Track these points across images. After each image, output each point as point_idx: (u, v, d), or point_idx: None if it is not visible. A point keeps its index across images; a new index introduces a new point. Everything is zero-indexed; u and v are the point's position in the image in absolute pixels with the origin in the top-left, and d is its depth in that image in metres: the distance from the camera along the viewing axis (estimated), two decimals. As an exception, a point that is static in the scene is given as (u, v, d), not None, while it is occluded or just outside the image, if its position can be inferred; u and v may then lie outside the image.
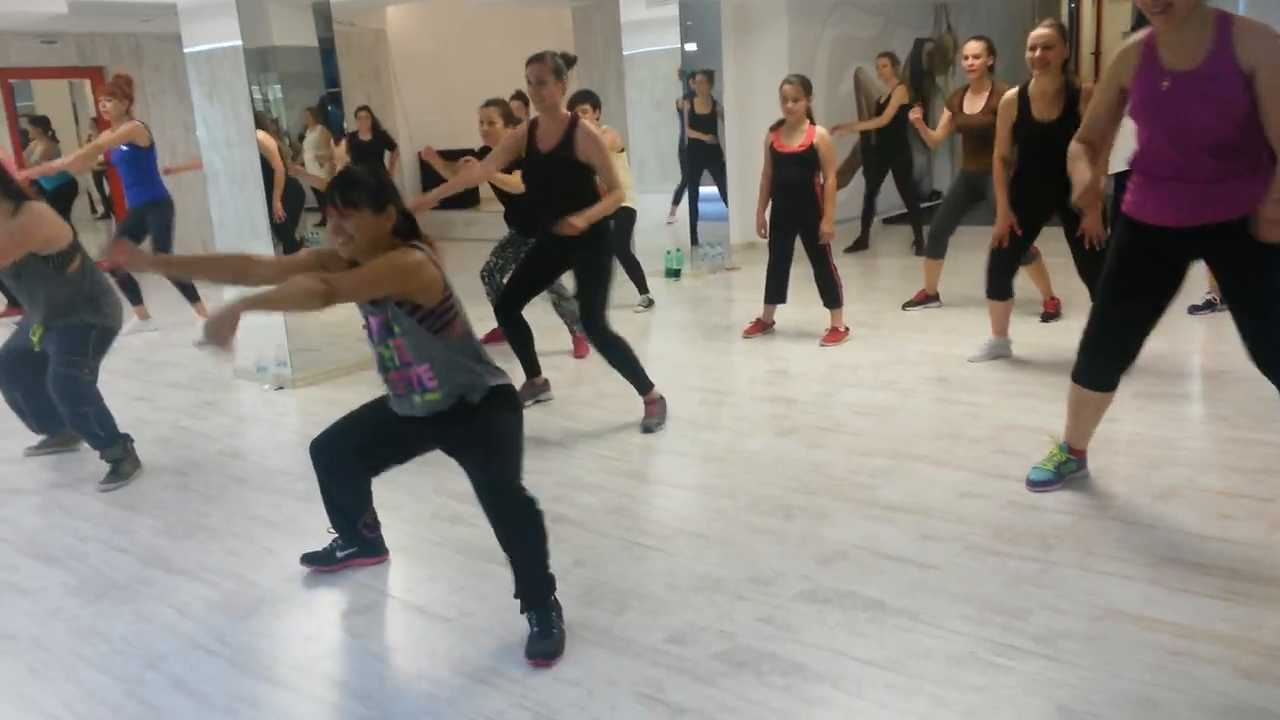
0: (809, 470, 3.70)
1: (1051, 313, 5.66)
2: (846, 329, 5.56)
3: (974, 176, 5.63)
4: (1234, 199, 2.75)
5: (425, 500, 3.58)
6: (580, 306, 4.24)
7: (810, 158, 5.27)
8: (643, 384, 4.29)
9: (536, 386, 4.74)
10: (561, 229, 4.00)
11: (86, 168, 6.94)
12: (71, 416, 3.96)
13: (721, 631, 2.62)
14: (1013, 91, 4.57)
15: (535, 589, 2.62)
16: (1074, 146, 3.03)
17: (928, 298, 6.21)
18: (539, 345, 4.70)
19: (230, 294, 2.78)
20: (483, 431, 2.64)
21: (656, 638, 2.61)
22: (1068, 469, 3.37)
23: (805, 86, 5.29)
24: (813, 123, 5.33)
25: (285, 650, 2.73)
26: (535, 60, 4.09)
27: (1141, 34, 2.86)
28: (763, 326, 5.80)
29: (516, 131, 4.31)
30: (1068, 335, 3.26)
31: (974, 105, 5.62)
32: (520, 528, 2.59)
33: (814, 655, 2.48)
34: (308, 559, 3.12)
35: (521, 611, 2.63)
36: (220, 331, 2.30)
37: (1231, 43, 2.65)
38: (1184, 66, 2.71)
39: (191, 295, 6.67)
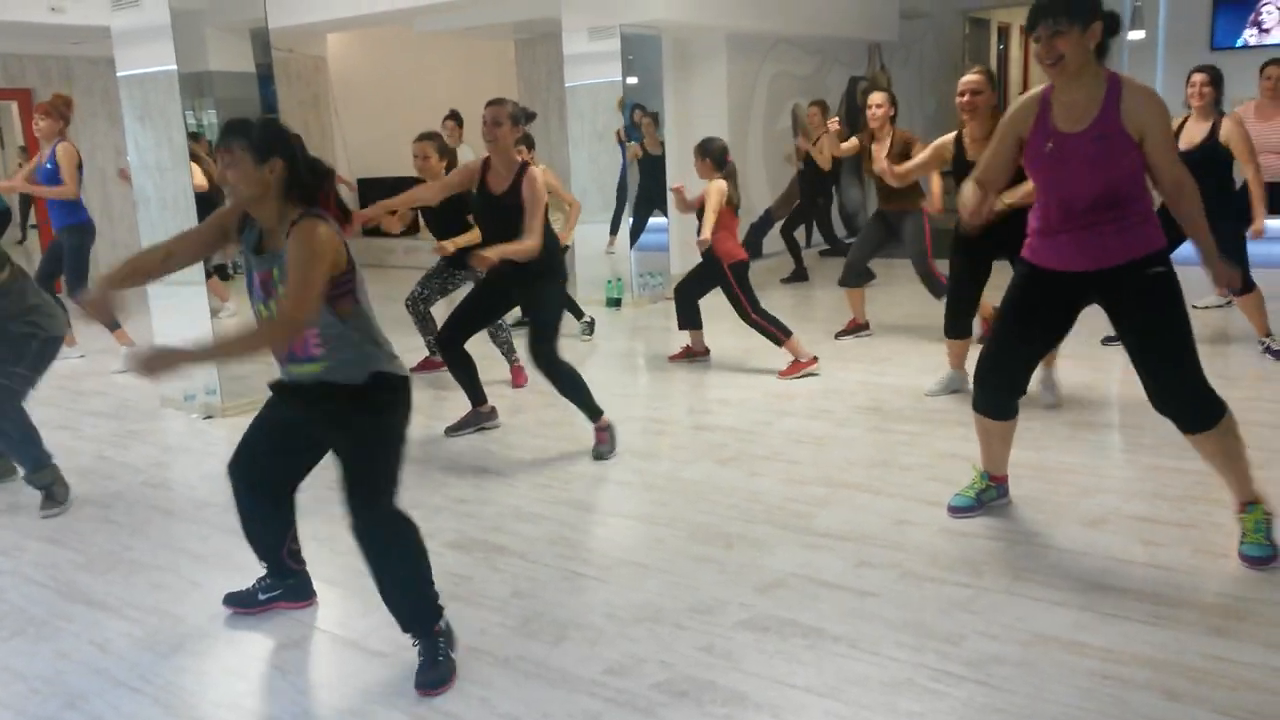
0: (748, 499, 3.71)
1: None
2: (812, 359, 5.54)
3: (889, 215, 5.91)
4: (1119, 246, 2.89)
5: (360, 531, 3.51)
6: (531, 334, 4.21)
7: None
8: (593, 411, 4.28)
9: (481, 414, 4.71)
10: (475, 262, 4.05)
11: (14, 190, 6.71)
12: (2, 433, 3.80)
13: (661, 661, 2.60)
14: (950, 136, 4.68)
15: (415, 616, 2.56)
16: (966, 188, 3.18)
17: (858, 326, 6.33)
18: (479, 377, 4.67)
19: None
20: (359, 425, 2.51)
21: (595, 669, 2.59)
22: (988, 496, 3.45)
23: (703, 149, 5.41)
24: (714, 175, 5.42)
25: (210, 688, 2.64)
26: (495, 103, 4.15)
27: (1039, 89, 2.99)
28: (690, 353, 5.92)
29: (471, 165, 4.31)
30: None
31: (880, 154, 5.79)
32: (389, 549, 2.52)
33: (754, 684, 2.48)
34: (230, 600, 3.01)
35: (412, 642, 2.58)
36: (153, 370, 2.23)
37: (1119, 104, 2.79)
38: (1073, 128, 2.85)
39: (112, 325, 6.47)
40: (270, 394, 2.72)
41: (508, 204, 4.12)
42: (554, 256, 4.26)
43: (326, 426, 2.58)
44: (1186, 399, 2.93)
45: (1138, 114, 2.78)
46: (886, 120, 5.75)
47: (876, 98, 5.81)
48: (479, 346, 6.39)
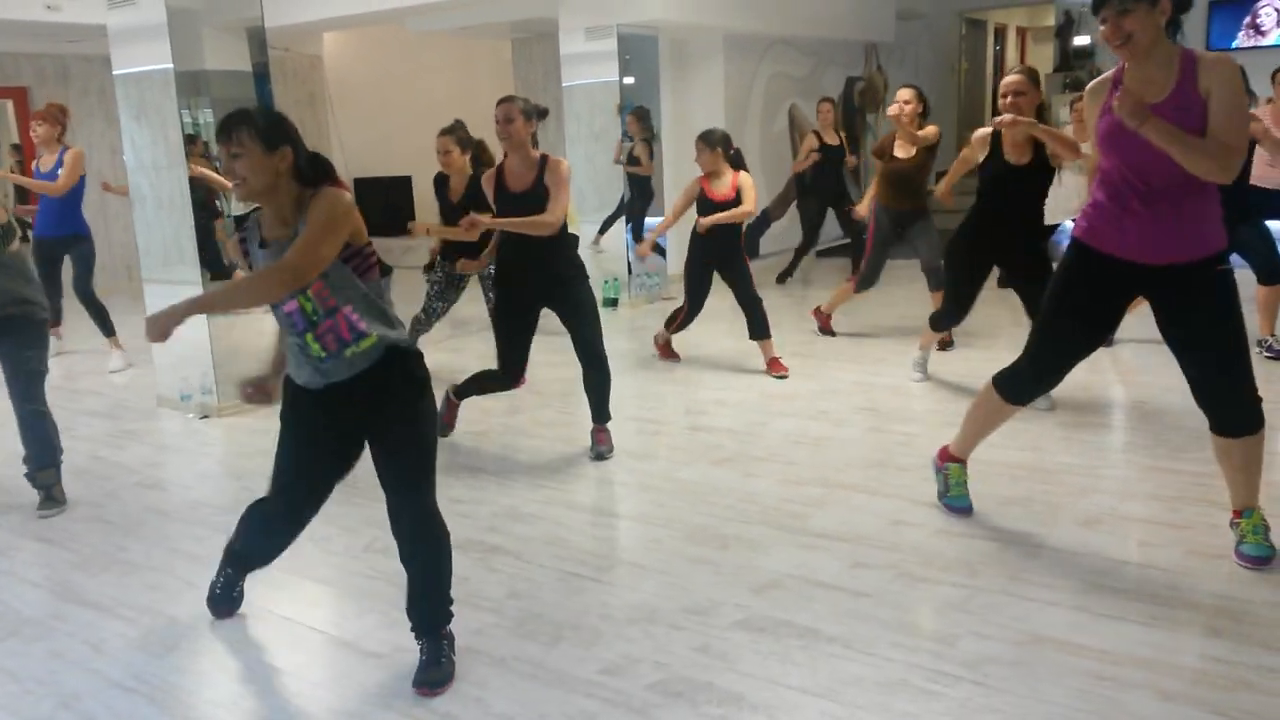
0: (744, 499, 3.71)
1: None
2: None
3: (897, 214, 5.84)
4: (1189, 241, 2.80)
5: (355, 533, 3.50)
6: (590, 338, 4.18)
7: (736, 203, 5.40)
8: (604, 413, 4.30)
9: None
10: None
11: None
12: (32, 417, 3.80)
13: (657, 662, 2.60)
14: (986, 130, 4.62)
15: (435, 616, 2.57)
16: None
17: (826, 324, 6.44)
18: (458, 373, 4.66)
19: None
20: (418, 412, 2.47)
21: (591, 669, 2.59)
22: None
23: (709, 140, 5.40)
24: (734, 169, 5.44)
25: (206, 688, 2.64)
26: (506, 100, 4.04)
27: (1111, 71, 2.91)
28: (670, 351, 5.99)
29: (487, 177, 4.21)
30: (996, 366, 3.33)
31: (905, 151, 5.75)
32: (438, 546, 2.53)
33: (749, 684, 2.48)
34: (217, 612, 2.97)
35: (416, 638, 2.58)
36: (160, 329, 2.25)
37: (1196, 75, 2.70)
38: (1153, 99, 2.73)
39: (108, 329, 6.46)
40: (290, 421, 2.60)
41: (533, 200, 3.99)
42: (579, 259, 4.24)
43: (387, 409, 2.47)
44: (1240, 403, 2.88)
45: (1209, 77, 2.67)
46: (914, 116, 5.69)
47: (905, 94, 5.73)
48: (480, 345, 6.41)
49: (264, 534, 2.81)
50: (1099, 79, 2.97)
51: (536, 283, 4.13)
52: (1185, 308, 2.89)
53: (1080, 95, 4.52)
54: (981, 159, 4.54)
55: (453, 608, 2.63)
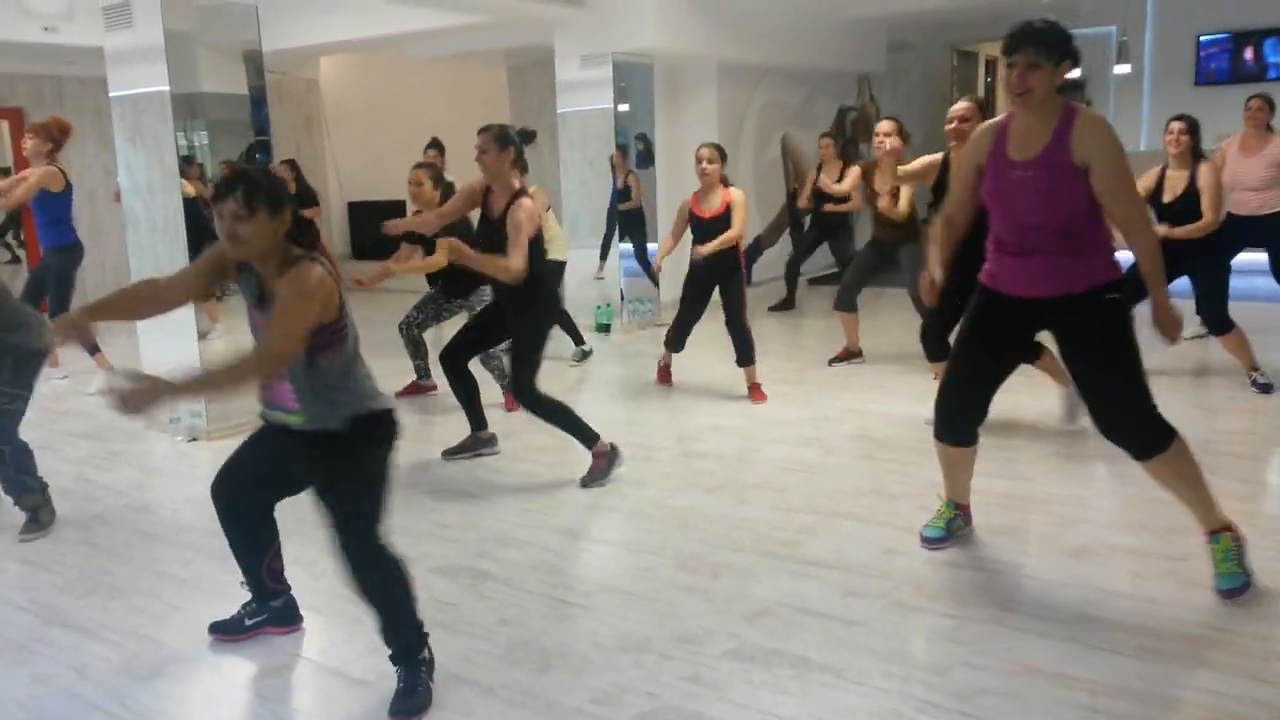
0: (736, 526, 3.70)
1: None
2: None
3: (885, 245, 5.92)
4: (1071, 275, 2.93)
5: (344, 556, 3.48)
6: (511, 369, 4.24)
7: (728, 218, 5.38)
8: (587, 437, 4.27)
9: (480, 440, 4.71)
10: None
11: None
12: None
13: (647, 692, 2.58)
14: (937, 156, 4.73)
15: (399, 643, 2.56)
16: (939, 229, 3.24)
17: (851, 353, 6.35)
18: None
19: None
20: (338, 468, 2.51)
21: (581, 698, 2.57)
22: (956, 525, 3.47)
23: (721, 152, 5.44)
24: (726, 186, 5.45)
25: (190, 714, 2.61)
26: (481, 131, 4.16)
27: (998, 119, 3.06)
28: (668, 372, 5.98)
29: (475, 187, 4.28)
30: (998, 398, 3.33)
31: (884, 182, 5.81)
32: (373, 579, 2.52)
33: (740, 715, 2.46)
34: (216, 628, 2.96)
35: (393, 665, 2.58)
36: (133, 407, 2.20)
37: (1069, 135, 2.84)
38: (1024, 156, 2.90)
39: (92, 347, 6.43)
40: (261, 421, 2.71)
41: (501, 228, 4.11)
42: (539, 290, 4.21)
43: (308, 469, 2.58)
44: (1135, 426, 2.96)
45: (1084, 143, 2.82)
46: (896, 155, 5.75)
47: (885, 126, 5.81)
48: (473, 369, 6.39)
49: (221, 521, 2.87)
50: (984, 125, 3.13)
51: (501, 304, 4.32)
52: (1076, 336, 3.01)
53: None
54: (933, 183, 4.65)
55: (426, 632, 2.61)
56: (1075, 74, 3.00)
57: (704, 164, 5.37)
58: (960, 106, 4.53)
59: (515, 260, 3.99)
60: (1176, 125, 5.22)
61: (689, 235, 5.59)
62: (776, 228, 9.71)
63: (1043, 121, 2.87)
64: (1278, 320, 6.88)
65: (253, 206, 2.35)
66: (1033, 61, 2.80)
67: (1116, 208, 2.86)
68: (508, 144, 4.12)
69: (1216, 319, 5.21)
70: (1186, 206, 5.08)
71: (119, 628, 3.07)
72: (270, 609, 2.96)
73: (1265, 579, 3.03)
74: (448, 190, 5.49)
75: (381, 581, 2.53)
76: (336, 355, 2.47)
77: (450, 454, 4.67)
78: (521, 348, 4.21)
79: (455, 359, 4.51)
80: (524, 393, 4.18)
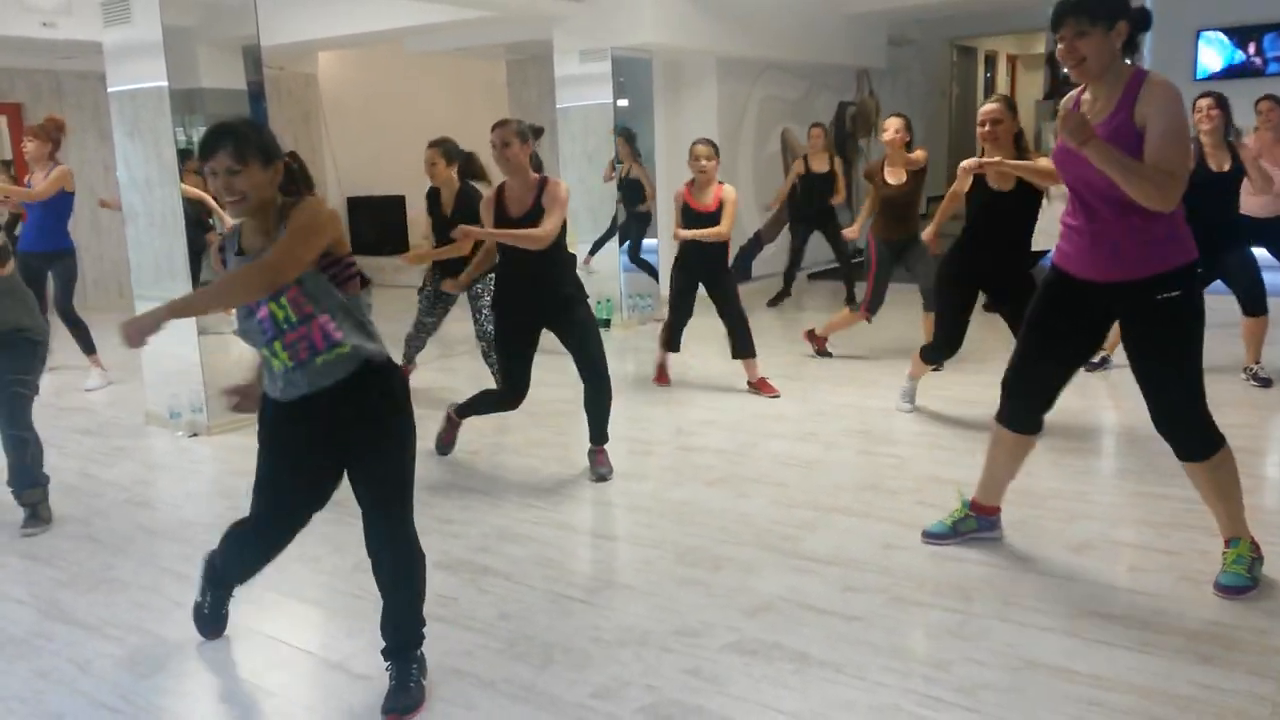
0: (735, 521, 3.71)
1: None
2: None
3: (895, 244, 5.93)
4: (1137, 259, 2.83)
5: (346, 552, 3.48)
6: (595, 355, 4.15)
7: (719, 216, 5.40)
8: (603, 434, 4.28)
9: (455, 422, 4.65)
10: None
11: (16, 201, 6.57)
12: (12, 441, 3.76)
13: (648, 685, 2.59)
14: (973, 161, 4.65)
15: (407, 636, 2.55)
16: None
17: (824, 343, 6.44)
18: (451, 394, 4.65)
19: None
20: (394, 428, 2.44)
21: (582, 692, 2.57)
22: (965, 526, 3.41)
23: (716, 149, 5.45)
24: (721, 182, 5.47)
25: (192, 709, 2.61)
26: (500, 125, 4.03)
27: (1077, 90, 2.97)
28: (664, 376, 5.95)
29: (485, 201, 4.20)
30: (989, 390, 3.34)
31: (896, 177, 5.83)
32: (411, 560, 2.51)
33: (740, 708, 2.47)
34: (205, 632, 2.93)
35: (385, 660, 2.55)
36: (136, 333, 2.20)
37: (1135, 100, 2.74)
38: (1093, 121, 2.79)
39: (88, 346, 6.43)
40: (266, 440, 2.56)
41: (531, 223, 3.98)
42: (578, 279, 4.24)
43: (362, 427, 2.45)
44: (1184, 426, 2.91)
45: (1146, 104, 2.71)
46: (902, 145, 5.77)
47: (894, 122, 5.82)
48: (470, 365, 6.40)
49: (240, 557, 2.78)
50: (1066, 97, 3.04)
51: (537, 303, 4.13)
52: (1139, 330, 2.94)
53: None
54: (967, 188, 4.60)
55: (425, 630, 2.61)
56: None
57: (702, 161, 5.38)
58: (990, 108, 4.42)
59: (549, 225, 3.90)
60: (1204, 101, 5.05)
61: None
62: (776, 223, 9.70)
63: (1110, 88, 2.78)
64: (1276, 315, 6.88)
65: (244, 158, 2.29)
66: (1078, 30, 2.71)
67: (1156, 159, 2.67)
68: (526, 138, 4.07)
69: (1253, 297, 5.18)
70: (1232, 180, 5.03)
71: (121, 623, 3.07)
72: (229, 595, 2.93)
73: (1267, 573, 3.03)
74: (467, 164, 5.37)
75: (418, 566, 2.52)
76: (357, 288, 2.43)
77: (459, 410, 4.53)
78: (595, 334, 4.17)
79: (523, 391, 4.25)
80: (604, 373, 4.18)
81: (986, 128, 4.41)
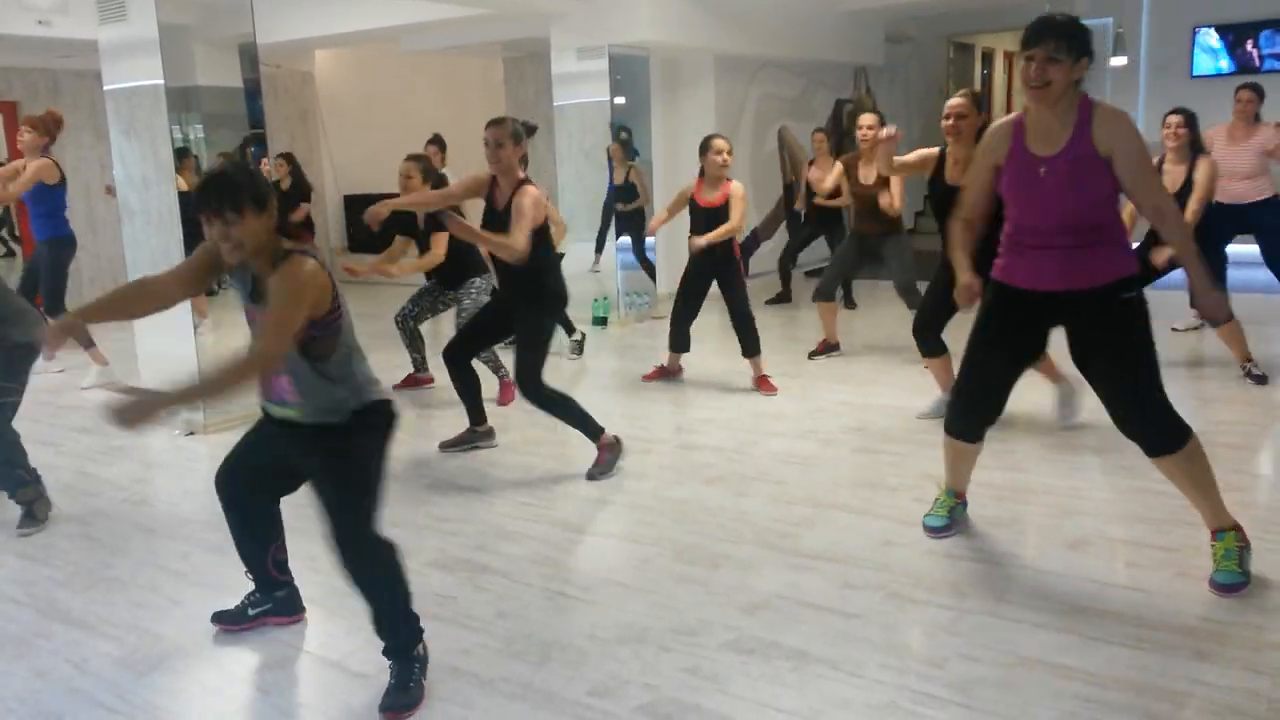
0: (734, 519, 3.71)
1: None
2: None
3: (865, 238, 5.97)
4: (1089, 269, 2.92)
5: (343, 550, 3.49)
6: (516, 365, 4.19)
7: (726, 210, 5.41)
8: (591, 429, 4.27)
9: (478, 433, 4.71)
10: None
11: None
12: None
13: (645, 684, 2.59)
14: (934, 150, 4.71)
15: (394, 638, 2.57)
16: (955, 231, 3.23)
17: (829, 346, 6.39)
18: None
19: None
20: (336, 463, 2.50)
21: (579, 690, 2.58)
22: (958, 514, 3.51)
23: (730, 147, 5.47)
24: (729, 179, 5.47)
25: (191, 708, 2.62)
26: (495, 124, 4.11)
27: (1011, 116, 3.04)
28: (665, 373, 5.92)
29: (481, 177, 4.27)
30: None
31: (868, 175, 5.86)
32: (368, 574, 2.52)
33: (738, 706, 2.47)
34: (218, 618, 2.97)
35: (386, 658, 2.58)
36: (131, 423, 2.18)
37: (1090, 127, 2.83)
38: (1046, 151, 2.88)
39: (86, 341, 6.42)
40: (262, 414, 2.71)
41: (506, 219, 4.08)
42: (543, 283, 4.20)
43: (305, 459, 2.58)
44: (1150, 422, 2.97)
45: (1107, 136, 2.81)
46: (876, 142, 5.77)
47: (867, 119, 5.86)
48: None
49: (235, 538, 2.90)
50: (999, 122, 3.10)
51: (507, 297, 4.32)
52: (1092, 333, 2.99)
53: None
54: (930, 177, 4.64)
55: (421, 628, 2.62)
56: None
57: (724, 155, 5.39)
58: (955, 102, 4.49)
59: (518, 237, 3.97)
60: (1174, 119, 5.21)
61: (684, 224, 5.60)
62: (773, 220, 9.72)
63: (1061, 115, 2.85)
64: (1272, 312, 6.90)
65: (239, 208, 2.33)
66: (1052, 55, 2.77)
67: (1144, 197, 2.86)
68: (520, 139, 4.13)
69: None
70: (1183, 201, 5.09)
71: (119, 622, 3.07)
72: (274, 599, 2.97)
73: (1261, 570, 3.05)
74: (439, 183, 5.48)
75: (375, 574, 2.53)
76: (332, 348, 2.47)
77: (447, 446, 4.67)
78: (528, 340, 4.19)
79: (458, 355, 4.51)
80: (529, 386, 4.16)
81: (950, 121, 4.45)
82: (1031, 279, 3.01)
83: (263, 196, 2.38)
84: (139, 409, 2.18)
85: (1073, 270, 2.93)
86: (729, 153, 5.40)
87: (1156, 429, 2.96)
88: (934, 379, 5.00)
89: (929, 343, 4.84)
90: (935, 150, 4.72)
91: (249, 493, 2.82)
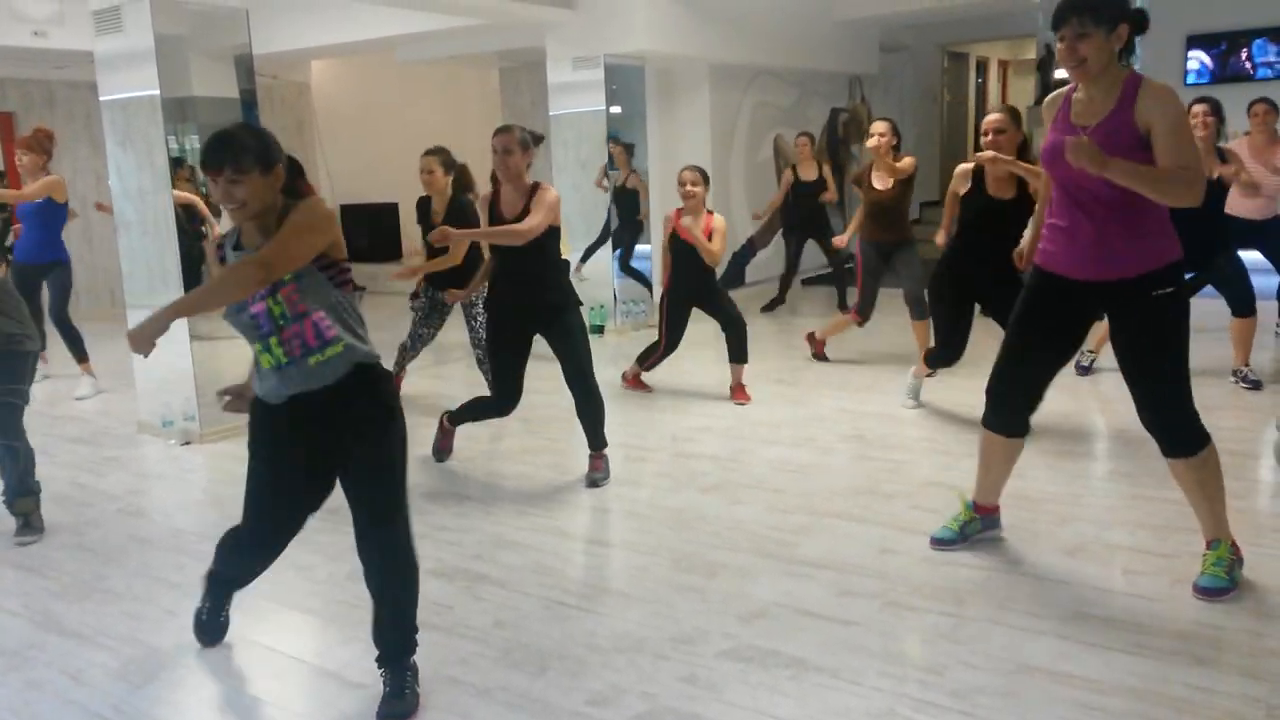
0: (731, 527, 3.71)
1: None
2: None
3: (883, 247, 5.94)
4: (1128, 257, 2.86)
5: (339, 560, 3.46)
6: (581, 365, 4.15)
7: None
8: (600, 440, 4.27)
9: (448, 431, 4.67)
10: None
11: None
12: (2, 451, 3.74)
13: (644, 692, 2.58)
14: (968, 165, 4.67)
15: (401, 643, 2.54)
16: (1039, 211, 3.14)
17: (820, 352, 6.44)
18: (441, 400, 4.64)
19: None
20: (386, 433, 2.43)
21: (577, 700, 2.56)
22: (971, 529, 3.43)
23: (705, 176, 5.43)
24: (710, 211, 5.46)
25: (186, 719, 2.60)
26: (504, 131, 4.06)
27: (1066, 87, 3.00)
28: (640, 383, 5.91)
29: (482, 200, 4.26)
30: (983, 394, 3.34)
31: (881, 181, 5.86)
32: (405, 569, 2.51)
33: (736, 715, 2.46)
34: (209, 641, 2.93)
35: (379, 667, 2.54)
36: (142, 340, 2.21)
37: (1134, 102, 2.78)
38: (1087, 123, 2.84)
39: (80, 354, 6.41)
40: (257, 446, 2.56)
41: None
42: (570, 287, 4.23)
43: (353, 432, 2.44)
44: (1174, 420, 2.94)
45: (1148, 108, 2.75)
46: (889, 149, 5.79)
47: (880, 126, 5.84)
48: (465, 372, 6.40)
49: (238, 561, 2.80)
50: (1053, 94, 3.06)
51: (528, 308, 4.14)
52: (1127, 324, 2.97)
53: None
54: (963, 192, 4.62)
55: (418, 637, 2.60)
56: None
57: (688, 186, 5.37)
58: (994, 118, 4.43)
59: (532, 221, 3.90)
60: (1200, 108, 5.03)
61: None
62: (769, 229, 9.73)
63: (1105, 90, 2.81)
64: (1264, 319, 6.90)
65: (243, 167, 2.30)
66: (1080, 31, 2.73)
67: (1174, 158, 2.72)
68: (528, 147, 4.09)
69: (1242, 298, 5.21)
70: (1212, 192, 5.05)
71: (114, 633, 3.06)
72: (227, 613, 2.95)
73: (1259, 576, 3.05)
74: (460, 175, 5.40)
75: (412, 572, 2.52)
76: (350, 290, 2.45)
77: (452, 416, 4.55)
78: (582, 348, 4.16)
79: (515, 396, 4.25)
80: (589, 388, 4.17)
81: (990, 137, 4.42)
82: (1070, 266, 2.96)
83: (270, 158, 2.35)
84: (149, 327, 2.21)
85: (1106, 258, 2.88)
86: (693, 184, 5.36)
87: (1176, 431, 2.93)
88: (917, 367, 5.10)
89: (941, 361, 4.92)
90: (969, 166, 4.68)
91: (289, 530, 2.66)
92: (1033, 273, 3.13)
